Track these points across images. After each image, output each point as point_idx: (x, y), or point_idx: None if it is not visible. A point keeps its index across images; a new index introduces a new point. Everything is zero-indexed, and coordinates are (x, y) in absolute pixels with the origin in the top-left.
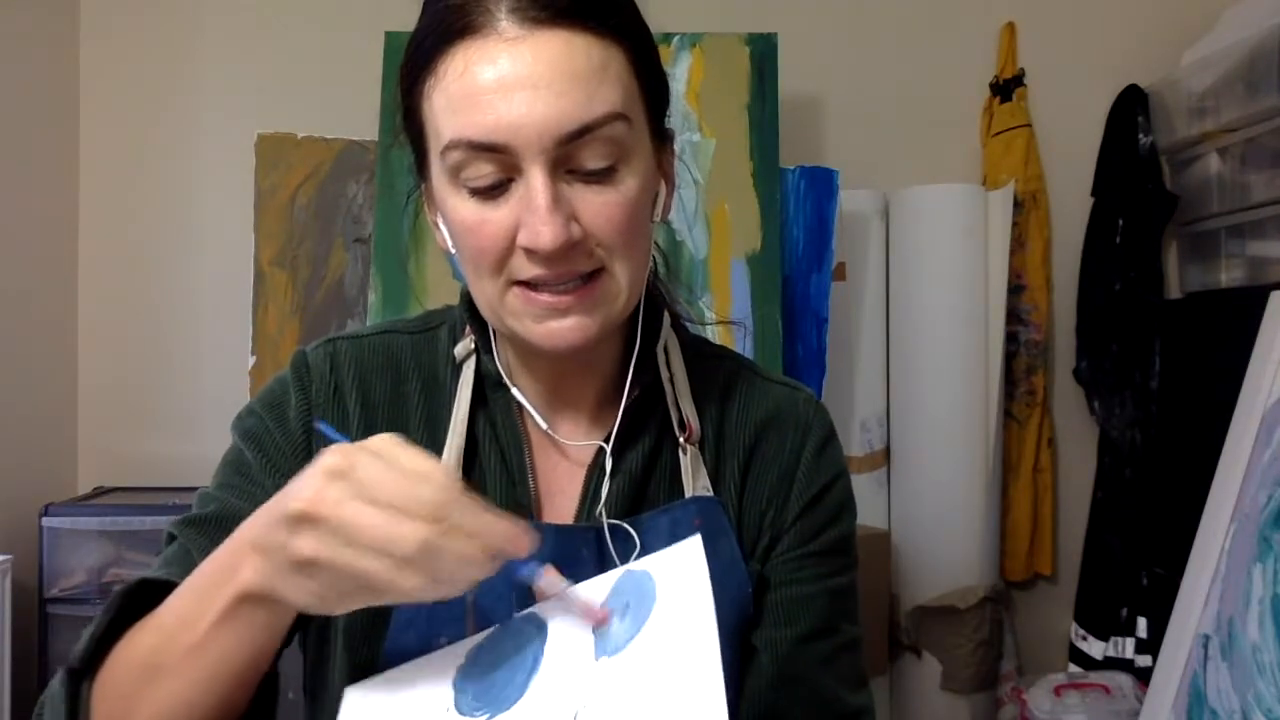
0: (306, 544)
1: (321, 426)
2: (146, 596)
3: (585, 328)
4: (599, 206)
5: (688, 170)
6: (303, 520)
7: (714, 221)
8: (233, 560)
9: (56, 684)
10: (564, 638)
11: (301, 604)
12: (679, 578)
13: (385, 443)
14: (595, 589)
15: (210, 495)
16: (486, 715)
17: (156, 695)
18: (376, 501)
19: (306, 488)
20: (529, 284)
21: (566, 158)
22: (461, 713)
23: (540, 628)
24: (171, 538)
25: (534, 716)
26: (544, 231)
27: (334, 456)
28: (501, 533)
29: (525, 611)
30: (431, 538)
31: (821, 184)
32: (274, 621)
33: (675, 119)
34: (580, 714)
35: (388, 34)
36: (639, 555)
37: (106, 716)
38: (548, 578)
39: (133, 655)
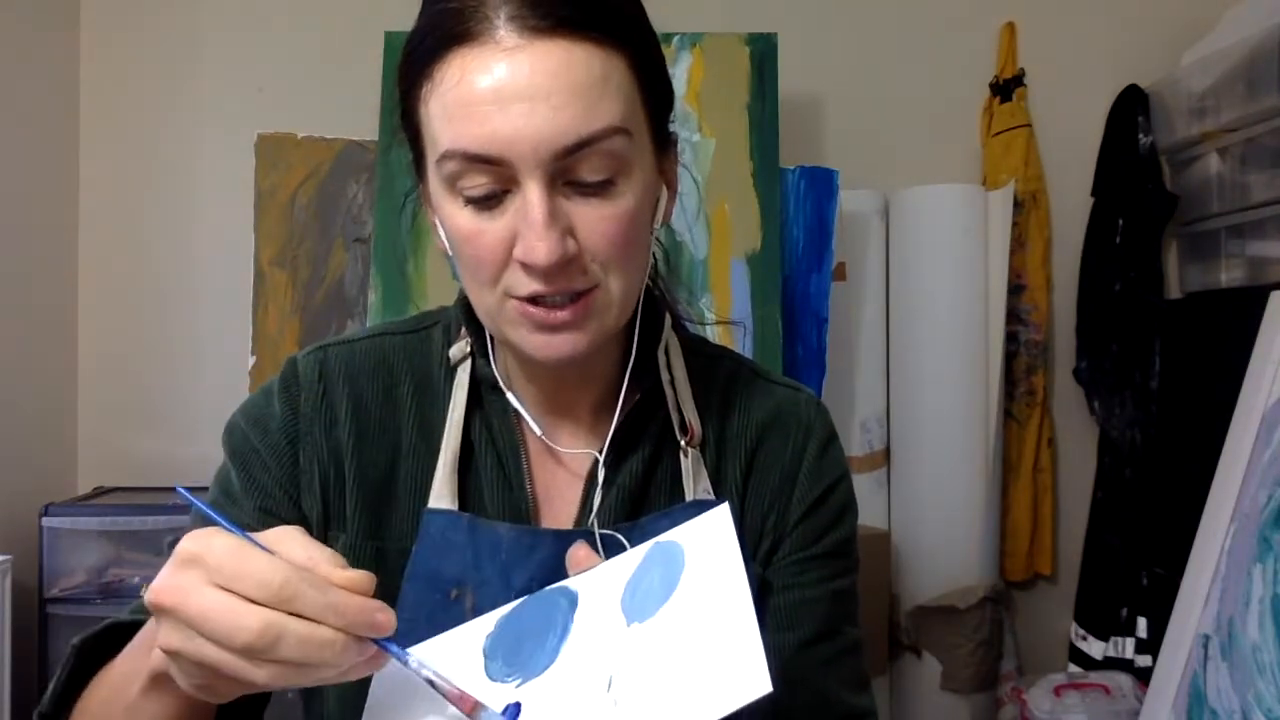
0: (163, 636)
1: (182, 493)
2: (124, 634)
3: (577, 342)
4: (595, 221)
5: (687, 171)
6: (157, 610)
7: (714, 221)
8: (151, 632)
9: None
10: (594, 606)
11: (200, 691)
12: (707, 545)
13: (280, 533)
14: (625, 564)
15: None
16: (518, 681)
17: None
18: (224, 587)
19: (160, 577)
20: (525, 298)
21: (564, 170)
22: (492, 679)
23: (571, 597)
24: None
25: (566, 681)
26: (539, 247)
27: (189, 542)
28: (356, 612)
29: (557, 584)
30: (270, 623)
31: (821, 184)
32: (189, 697)
33: (676, 119)
34: (615, 679)
35: (388, 34)
36: None
37: None
38: (429, 672)
39: (88, 706)
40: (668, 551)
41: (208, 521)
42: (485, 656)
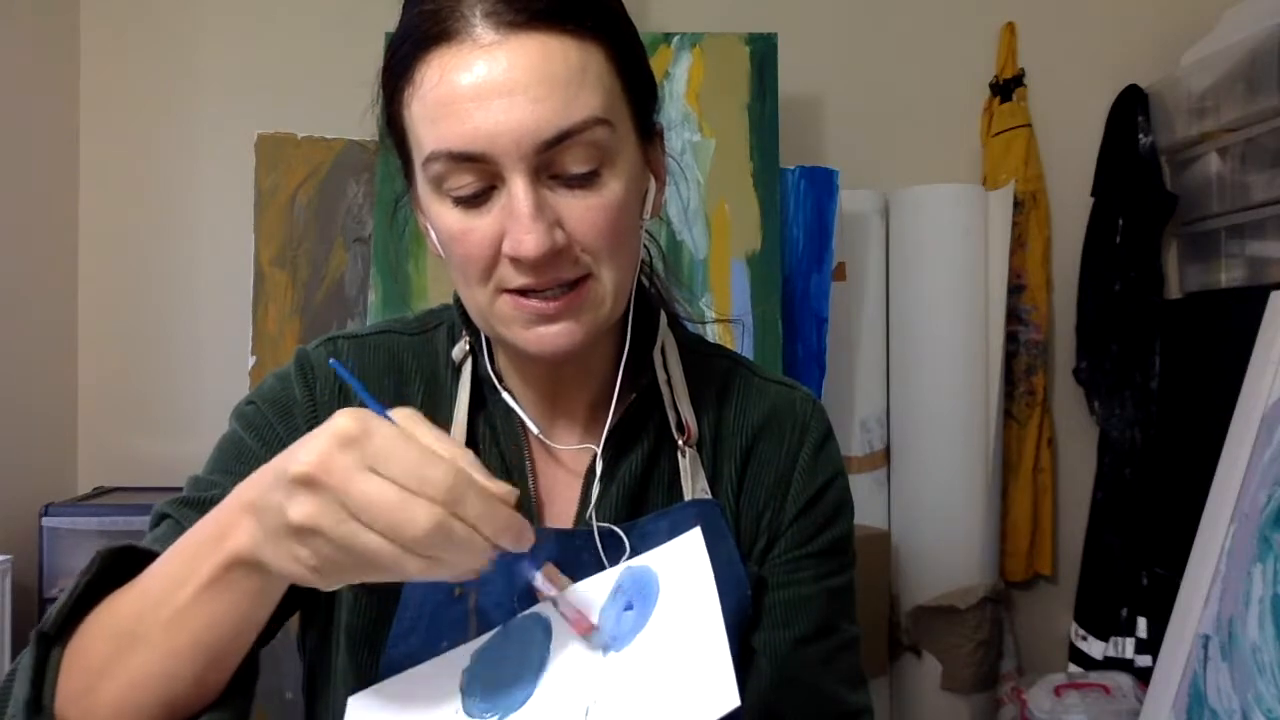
0: (305, 509)
1: (337, 367)
2: (131, 565)
3: (573, 333)
4: (582, 212)
5: (683, 171)
6: (305, 484)
7: (714, 221)
8: (224, 523)
9: (26, 649)
10: (569, 636)
11: (290, 573)
12: (681, 570)
13: (405, 416)
14: (598, 586)
15: (208, 480)
16: (496, 717)
17: (128, 666)
18: (388, 476)
19: (313, 450)
20: (517, 290)
21: (548, 163)
22: (471, 715)
23: (545, 627)
24: (162, 517)
25: (545, 716)
26: (527, 240)
27: (348, 420)
28: (507, 524)
29: (528, 611)
30: (442, 522)
31: (821, 184)
32: (264, 590)
33: (675, 119)
34: (591, 710)
35: (388, 34)
36: (628, 558)
37: (74, 686)
38: (544, 578)
39: (108, 622)
40: (641, 578)
41: (197, 495)
42: (463, 693)
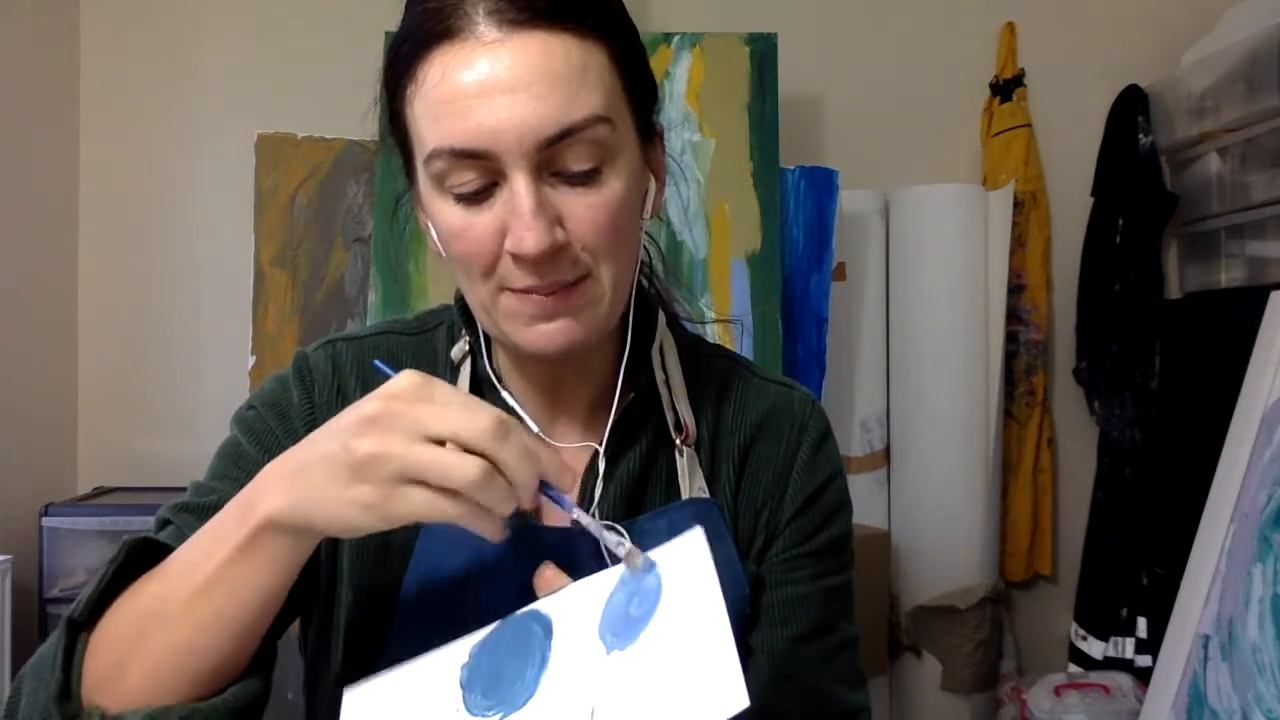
0: (372, 439)
1: (380, 366)
2: (156, 557)
3: (572, 331)
4: (583, 210)
5: (683, 171)
6: (373, 420)
7: (714, 221)
8: (251, 498)
9: (52, 638)
10: (571, 633)
11: (339, 520)
12: (684, 568)
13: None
14: (599, 584)
15: (208, 485)
16: (499, 715)
17: (154, 643)
18: (446, 404)
19: (371, 400)
20: (518, 289)
21: (549, 161)
22: (472, 713)
23: (545, 624)
24: (165, 523)
25: (548, 714)
26: (528, 237)
27: (393, 381)
28: (540, 448)
29: (528, 608)
30: (503, 418)
31: (821, 184)
32: (290, 552)
33: (675, 119)
34: (597, 710)
35: (388, 34)
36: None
37: (101, 670)
38: (586, 518)
39: (133, 604)
40: (643, 575)
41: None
42: (463, 688)
